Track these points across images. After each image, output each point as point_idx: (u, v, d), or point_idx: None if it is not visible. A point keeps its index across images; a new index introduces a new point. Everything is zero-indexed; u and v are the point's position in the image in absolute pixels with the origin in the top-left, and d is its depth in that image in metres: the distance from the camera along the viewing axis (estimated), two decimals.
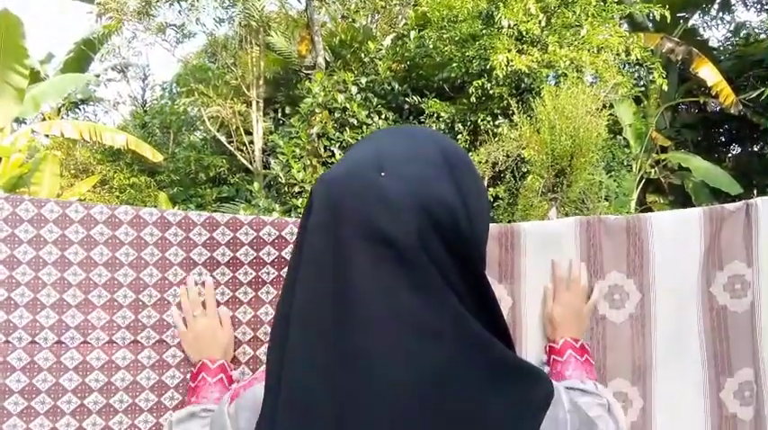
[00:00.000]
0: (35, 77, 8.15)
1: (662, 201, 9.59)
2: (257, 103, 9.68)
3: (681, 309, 1.13)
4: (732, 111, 9.00)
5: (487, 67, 6.88)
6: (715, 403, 1.13)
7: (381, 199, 0.56)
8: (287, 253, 1.07)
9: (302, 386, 0.55)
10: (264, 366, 0.63)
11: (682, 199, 9.39)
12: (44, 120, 9.41)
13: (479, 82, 7.10)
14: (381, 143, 0.63)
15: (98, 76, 12.83)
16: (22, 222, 0.98)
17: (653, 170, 9.00)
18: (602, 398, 0.94)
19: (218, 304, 1.05)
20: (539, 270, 1.11)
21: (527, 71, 6.79)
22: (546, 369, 1.05)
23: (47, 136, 9.46)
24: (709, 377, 1.12)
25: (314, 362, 0.55)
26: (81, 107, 13.52)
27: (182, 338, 1.01)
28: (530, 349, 1.11)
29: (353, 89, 7.64)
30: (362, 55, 8.53)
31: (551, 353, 1.05)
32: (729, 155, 11.41)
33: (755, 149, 10.98)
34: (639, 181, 8.88)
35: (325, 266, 0.56)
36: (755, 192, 8.67)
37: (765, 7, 11.02)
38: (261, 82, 9.77)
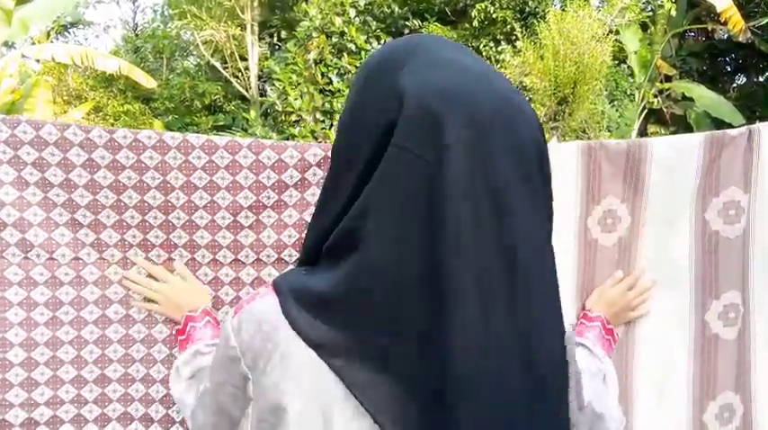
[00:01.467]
0: None
1: (663, 132, 9.52)
2: (252, 26, 9.38)
3: (672, 234, 1.14)
4: (740, 39, 8.75)
5: None
6: (699, 324, 1.17)
7: (523, 116, 0.56)
8: (286, 176, 1.07)
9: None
10: (268, 284, 0.65)
11: (683, 130, 9.30)
12: (34, 44, 9.13)
13: (482, 5, 6.87)
14: (452, 59, 0.60)
15: None
16: (23, 144, 0.98)
17: (656, 100, 8.86)
18: (602, 364, 0.97)
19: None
20: None
21: None
22: (569, 327, 1.10)
23: (37, 61, 9.22)
24: (696, 299, 1.16)
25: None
26: (71, 31, 13.11)
27: (160, 312, 1.05)
28: None
29: (352, 12, 7.38)
30: None
31: (582, 317, 1.09)
32: (734, 85, 11.21)
33: (760, 80, 10.77)
34: (642, 111, 8.76)
35: (476, 184, 0.54)
36: (758, 123, 8.56)
37: None
38: (255, 4, 9.42)
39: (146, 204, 1.04)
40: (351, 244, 0.57)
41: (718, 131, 1.13)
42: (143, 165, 1.02)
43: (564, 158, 1.12)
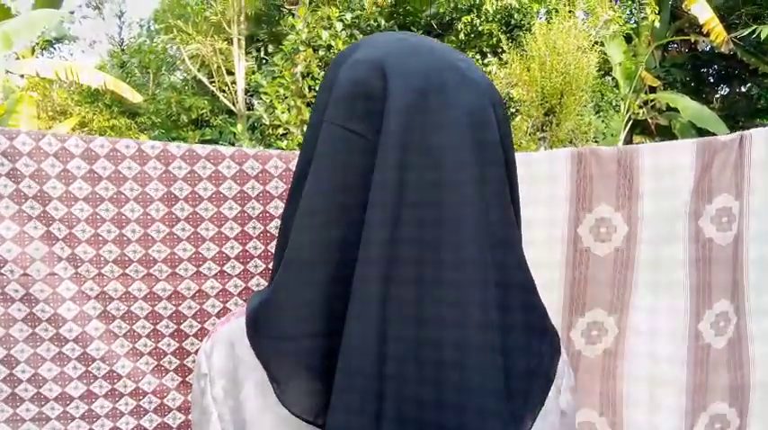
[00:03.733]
0: (6, 14, 7.76)
1: (648, 142, 9.59)
2: (239, 40, 9.37)
3: (668, 242, 1.13)
4: (723, 50, 8.87)
5: (477, 1, 6.69)
6: (693, 333, 1.15)
7: (466, 82, 0.52)
8: (271, 187, 1.04)
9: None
10: (244, 305, 0.59)
11: (668, 140, 9.37)
12: (18, 59, 9.04)
13: (468, 18, 6.92)
14: (391, 36, 0.57)
15: (72, 12, 12.30)
16: None
17: (641, 111, 8.94)
18: None
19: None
20: (527, 202, 1.10)
21: (517, 6, 6.61)
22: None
23: (21, 76, 9.14)
24: (691, 308, 1.14)
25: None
26: (56, 46, 13.03)
27: None
28: None
29: (338, 25, 7.39)
30: None
31: None
32: (717, 95, 11.36)
33: (743, 90, 10.93)
34: (627, 122, 8.83)
35: (410, 157, 0.49)
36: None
37: None
38: (242, 18, 9.42)
39: (123, 217, 1.00)
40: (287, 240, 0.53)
41: (710, 137, 1.12)
42: (120, 175, 0.99)
43: (554, 164, 1.11)
